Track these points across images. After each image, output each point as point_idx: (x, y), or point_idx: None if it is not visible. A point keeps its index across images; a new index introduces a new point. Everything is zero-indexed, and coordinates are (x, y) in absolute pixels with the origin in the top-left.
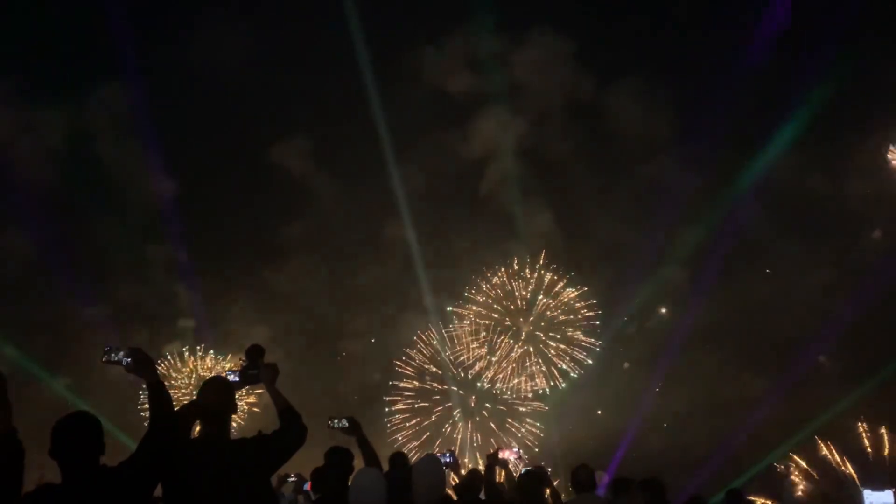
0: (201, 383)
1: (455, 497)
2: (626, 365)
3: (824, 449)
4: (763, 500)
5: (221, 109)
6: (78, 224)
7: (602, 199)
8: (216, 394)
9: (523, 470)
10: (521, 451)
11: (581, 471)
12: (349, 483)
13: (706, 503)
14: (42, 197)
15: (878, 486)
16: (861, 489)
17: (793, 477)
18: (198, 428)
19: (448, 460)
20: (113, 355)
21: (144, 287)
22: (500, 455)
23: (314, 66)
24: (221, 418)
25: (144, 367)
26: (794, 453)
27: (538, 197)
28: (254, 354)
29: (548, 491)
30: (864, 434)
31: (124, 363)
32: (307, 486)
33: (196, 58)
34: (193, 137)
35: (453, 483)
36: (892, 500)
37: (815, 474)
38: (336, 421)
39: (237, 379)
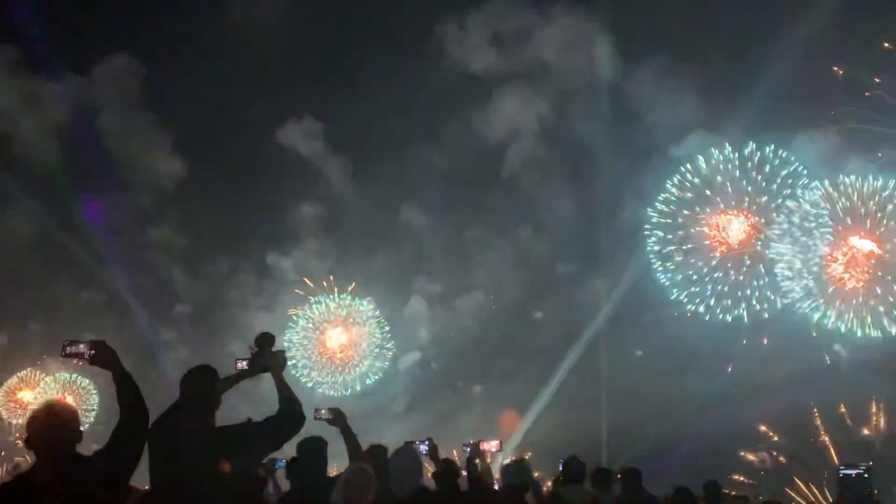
0: (186, 372)
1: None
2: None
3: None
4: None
5: (230, 87)
6: (78, 203)
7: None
8: (198, 382)
9: (506, 461)
10: (501, 443)
11: (572, 463)
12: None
13: (691, 493)
14: (42, 172)
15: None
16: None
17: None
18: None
19: (425, 448)
20: (72, 348)
21: (142, 271)
22: (481, 447)
23: (327, 42)
24: (204, 407)
25: (107, 359)
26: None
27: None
28: (264, 342)
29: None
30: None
31: (86, 356)
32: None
33: (205, 34)
34: (201, 116)
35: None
36: (869, 476)
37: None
38: (322, 412)
39: (247, 367)
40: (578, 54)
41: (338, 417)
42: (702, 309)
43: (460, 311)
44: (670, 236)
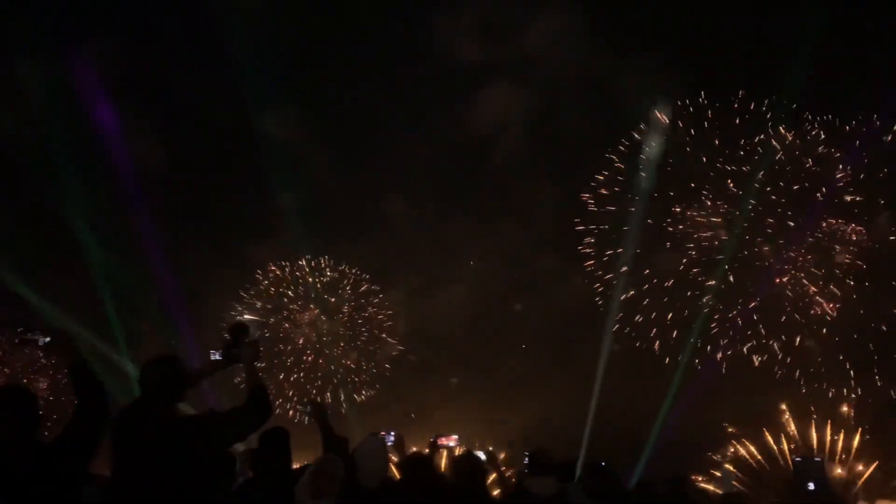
0: (146, 362)
1: (398, 475)
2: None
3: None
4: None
5: (210, 74)
6: (53, 188)
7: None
8: (159, 372)
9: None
10: (459, 438)
11: (539, 454)
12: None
13: (653, 489)
14: (14, 156)
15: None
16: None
17: (727, 465)
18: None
19: (391, 440)
20: (29, 334)
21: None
22: (440, 442)
23: (311, 28)
24: (165, 397)
25: (64, 348)
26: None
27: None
28: (237, 332)
29: (495, 474)
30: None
31: (41, 343)
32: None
33: (186, 20)
34: (180, 103)
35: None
36: (820, 468)
37: (756, 455)
38: (303, 406)
39: (220, 358)
40: (567, 48)
41: (316, 410)
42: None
43: (440, 303)
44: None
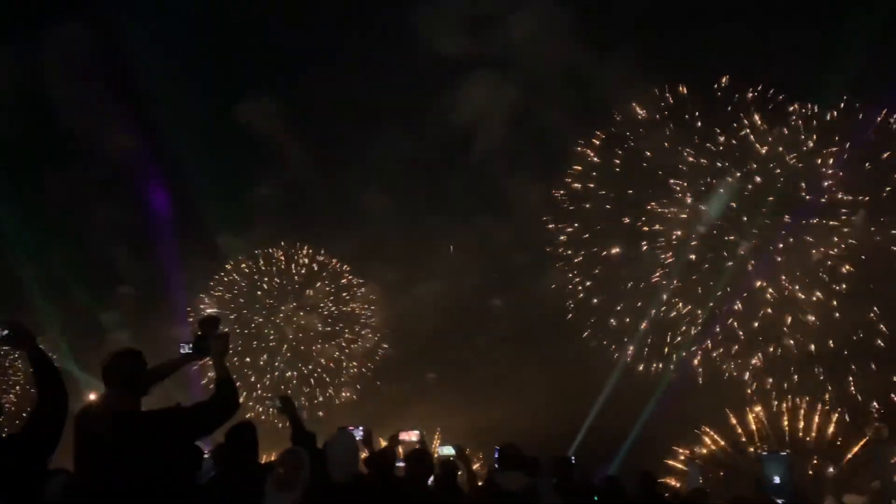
0: (107, 356)
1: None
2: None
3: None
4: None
5: (186, 61)
6: (22, 177)
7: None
8: (121, 366)
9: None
10: (422, 432)
11: (508, 449)
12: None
13: (620, 483)
14: None
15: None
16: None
17: (697, 460)
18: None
19: (360, 435)
20: None
21: (85, 249)
22: (400, 437)
23: (288, 17)
24: (128, 391)
25: (21, 339)
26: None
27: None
28: (208, 325)
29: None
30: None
31: (1, 335)
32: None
33: (163, 5)
34: (155, 90)
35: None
36: (786, 462)
37: (725, 447)
38: (272, 401)
39: (190, 351)
40: (550, 42)
41: (287, 405)
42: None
43: (417, 298)
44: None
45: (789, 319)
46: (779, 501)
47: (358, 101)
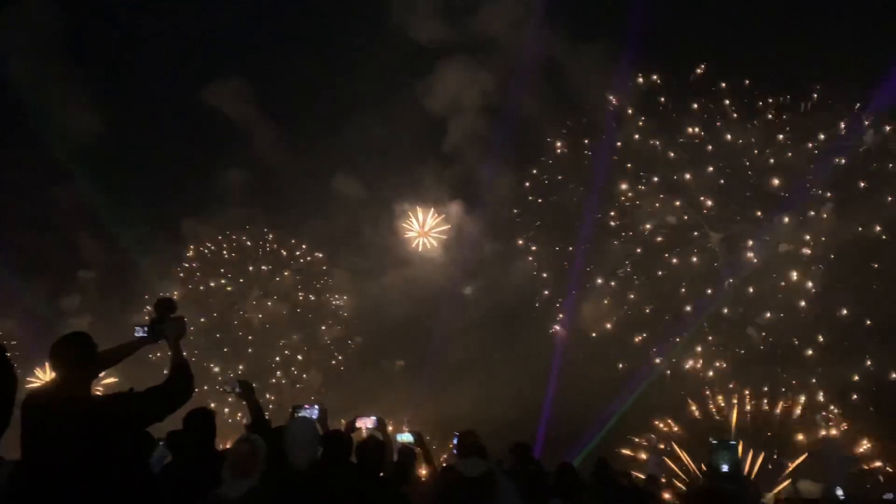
0: (56, 341)
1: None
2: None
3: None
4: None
5: (152, 40)
6: None
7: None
8: (69, 351)
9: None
10: (379, 418)
11: (466, 436)
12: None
13: (574, 469)
14: None
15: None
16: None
17: (659, 445)
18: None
19: (315, 414)
20: None
21: (46, 233)
22: (357, 423)
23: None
24: (77, 376)
25: None
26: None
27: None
28: (163, 308)
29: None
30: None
31: None
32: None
33: None
34: (121, 69)
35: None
36: (734, 451)
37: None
38: (228, 386)
39: (145, 335)
40: (526, 29)
41: (246, 391)
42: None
43: (387, 286)
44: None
45: (765, 314)
46: (727, 488)
47: (330, 85)
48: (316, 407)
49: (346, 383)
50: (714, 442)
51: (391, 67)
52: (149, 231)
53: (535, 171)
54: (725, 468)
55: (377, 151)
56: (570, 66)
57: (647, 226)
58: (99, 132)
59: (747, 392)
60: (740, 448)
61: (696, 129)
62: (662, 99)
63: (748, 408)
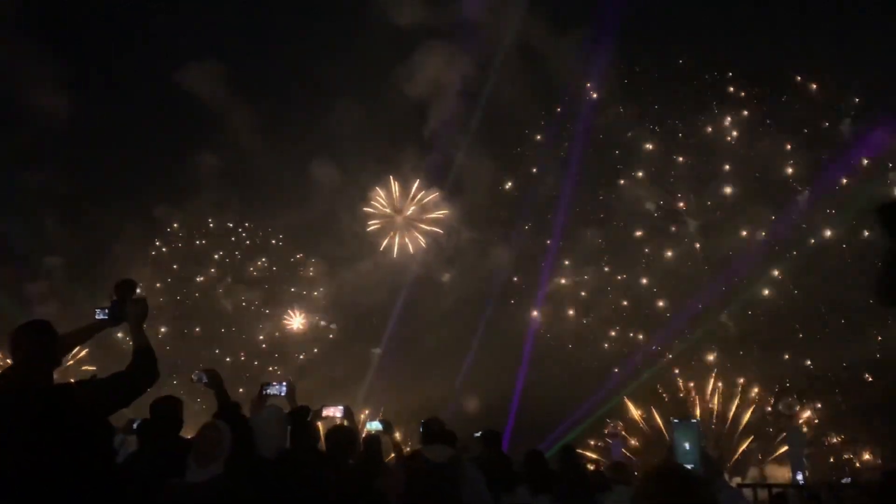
0: (15, 328)
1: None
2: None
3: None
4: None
5: (124, 19)
6: None
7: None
8: (29, 338)
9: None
10: (347, 407)
11: (432, 423)
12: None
13: (543, 456)
14: None
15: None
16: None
17: (622, 432)
18: None
19: (283, 391)
20: None
21: (10, 218)
22: (324, 413)
23: None
24: (37, 364)
25: None
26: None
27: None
28: (124, 290)
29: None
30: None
31: None
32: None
33: None
34: (91, 49)
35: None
36: (695, 429)
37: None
38: (195, 376)
39: (106, 317)
40: (507, 15)
41: (213, 380)
42: None
43: (362, 275)
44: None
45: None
46: (688, 467)
47: (309, 69)
48: (284, 383)
49: (319, 373)
50: (675, 421)
51: (371, 52)
52: (119, 216)
53: (511, 164)
54: (687, 446)
55: (355, 137)
56: (549, 52)
57: (623, 217)
58: (68, 114)
59: (712, 378)
60: (700, 426)
61: (676, 121)
62: (642, 88)
63: (715, 394)
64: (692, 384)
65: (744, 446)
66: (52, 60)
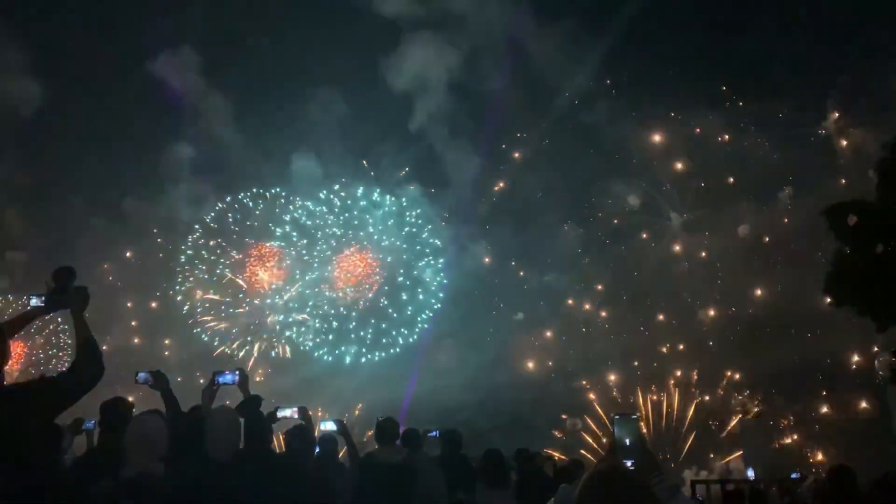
0: None
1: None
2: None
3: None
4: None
5: (95, 4)
6: None
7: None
8: None
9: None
10: (301, 408)
11: (386, 423)
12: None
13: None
14: None
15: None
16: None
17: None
18: None
19: (235, 379)
20: None
21: None
22: (280, 414)
23: None
24: None
25: None
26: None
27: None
28: (63, 276)
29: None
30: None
31: None
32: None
33: None
34: (59, 34)
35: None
36: (635, 423)
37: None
38: (142, 376)
39: (42, 304)
40: (496, 5)
41: (158, 381)
42: None
43: (338, 273)
44: None
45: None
46: (627, 462)
47: (290, 60)
48: (237, 372)
49: (291, 372)
50: (616, 416)
51: (355, 42)
52: (86, 210)
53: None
54: (627, 442)
55: (337, 130)
56: (537, 47)
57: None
58: (33, 103)
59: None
60: (639, 421)
61: (661, 118)
62: (627, 84)
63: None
64: (649, 376)
65: (689, 441)
66: (18, 46)
